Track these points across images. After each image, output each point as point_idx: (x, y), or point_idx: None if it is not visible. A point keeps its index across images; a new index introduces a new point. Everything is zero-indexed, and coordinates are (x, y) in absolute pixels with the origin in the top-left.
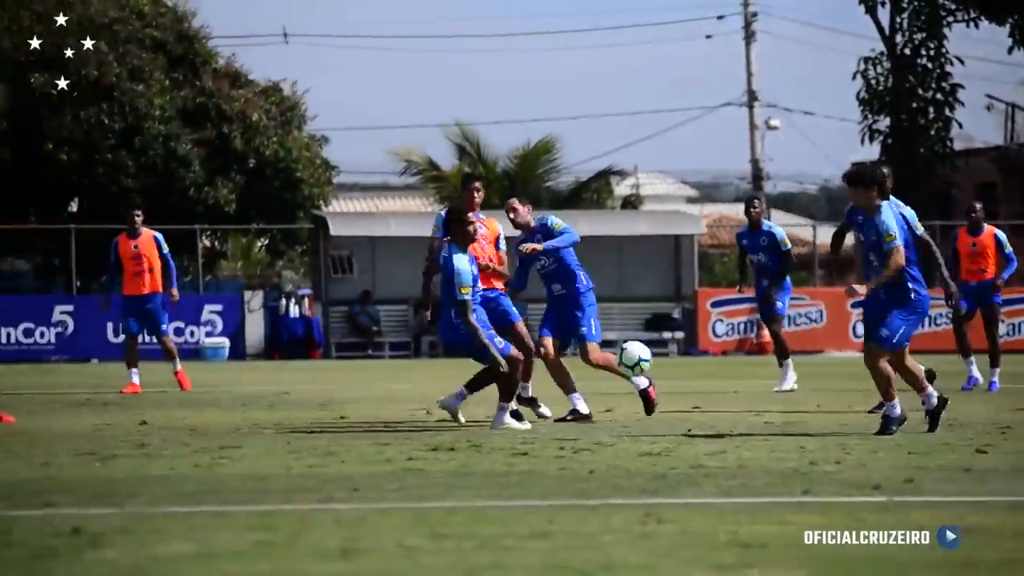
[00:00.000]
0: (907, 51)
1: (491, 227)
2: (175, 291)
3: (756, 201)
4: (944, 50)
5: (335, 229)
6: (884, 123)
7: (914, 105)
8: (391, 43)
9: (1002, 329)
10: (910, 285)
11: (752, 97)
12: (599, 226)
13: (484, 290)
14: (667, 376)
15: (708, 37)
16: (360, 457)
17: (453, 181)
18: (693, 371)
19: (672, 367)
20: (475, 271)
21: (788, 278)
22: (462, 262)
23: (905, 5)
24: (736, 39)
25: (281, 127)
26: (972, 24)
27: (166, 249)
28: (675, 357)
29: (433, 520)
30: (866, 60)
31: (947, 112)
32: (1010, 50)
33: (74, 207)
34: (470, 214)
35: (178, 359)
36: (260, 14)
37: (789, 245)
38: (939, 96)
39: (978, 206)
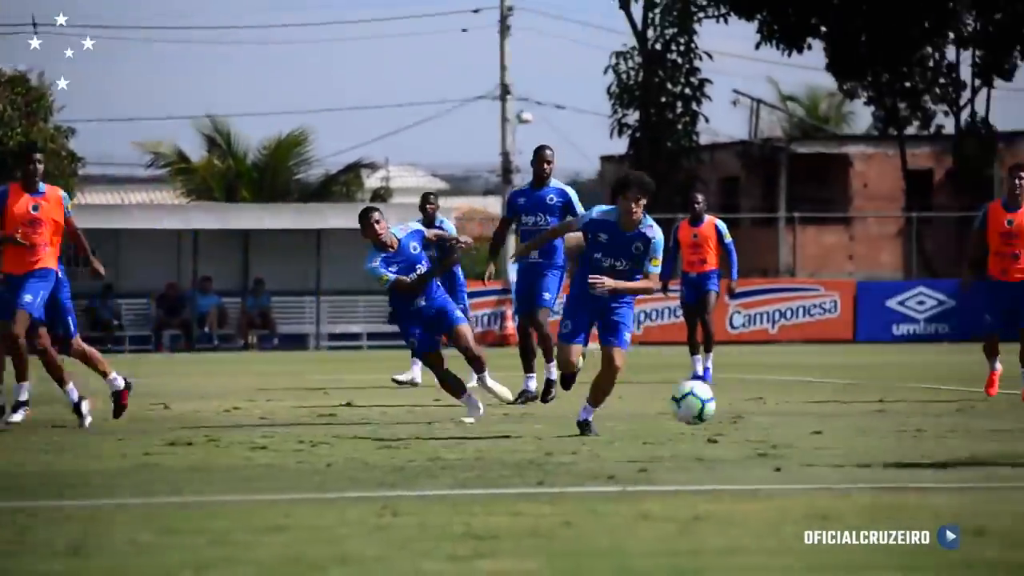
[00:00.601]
0: (658, 46)
1: (54, 195)
2: None
3: (432, 197)
4: (694, 45)
5: (78, 221)
6: (634, 117)
7: (663, 99)
8: (142, 34)
9: (739, 320)
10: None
11: (505, 91)
12: (349, 219)
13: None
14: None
15: (464, 31)
16: (95, 452)
17: (202, 173)
18: None
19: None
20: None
21: (461, 274)
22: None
23: (657, 1)
24: (491, 33)
25: (26, 118)
26: (722, 20)
27: None
28: None
29: (166, 516)
30: (618, 55)
31: (694, 107)
32: (757, 45)
33: None
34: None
35: None
36: (9, 2)
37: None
38: (687, 91)
39: (700, 197)
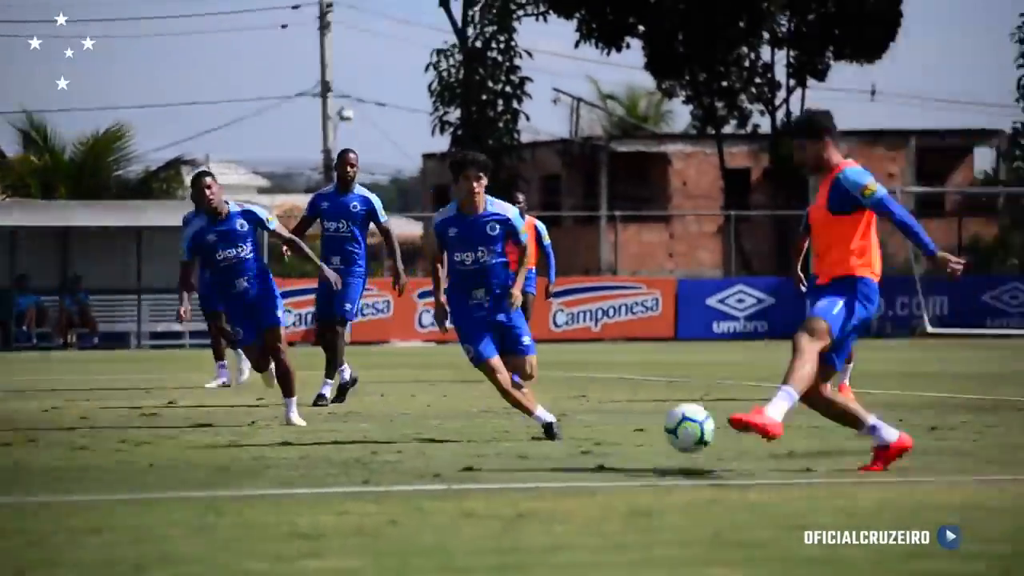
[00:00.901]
0: (478, 44)
1: None
2: None
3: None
4: (514, 43)
5: None
6: (455, 115)
7: (484, 97)
8: None
9: (562, 318)
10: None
11: (325, 88)
12: (170, 216)
13: None
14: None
15: (283, 27)
16: None
17: (18, 169)
18: None
19: None
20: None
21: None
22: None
23: None
24: (311, 29)
25: None
26: (541, 18)
27: None
28: None
29: None
30: (439, 52)
31: (515, 104)
32: (576, 44)
33: None
34: None
35: None
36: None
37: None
38: (508, 89)
39: (521, 197)
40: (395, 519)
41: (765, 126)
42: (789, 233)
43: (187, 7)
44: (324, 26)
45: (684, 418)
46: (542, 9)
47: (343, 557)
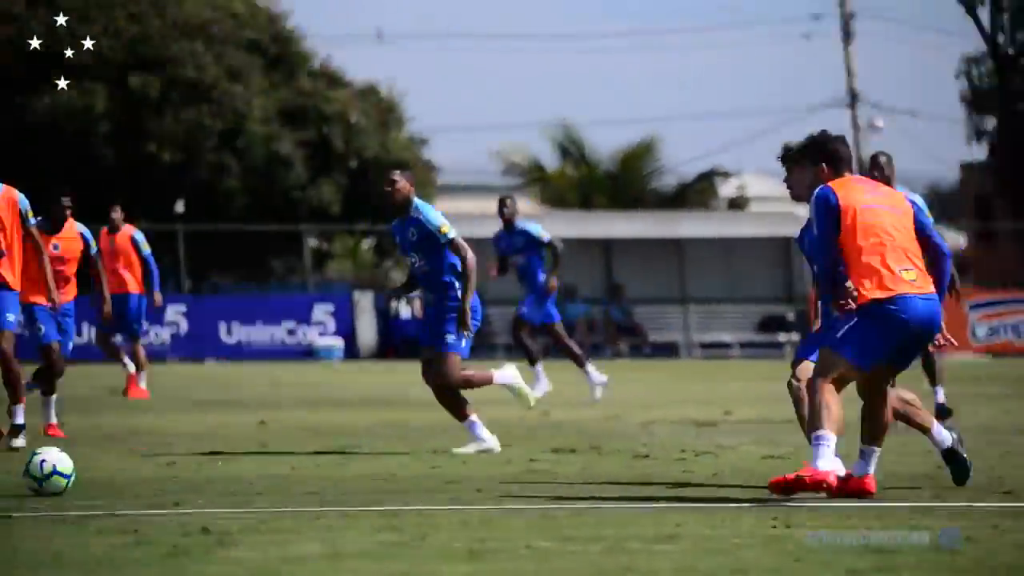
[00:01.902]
0: (1010, 51)
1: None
2: (158, 294)
3: (508, 201)
4: None
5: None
6: (991, 123)
7: (1021, 106)
8: (485, 43)
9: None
10: None
11: (854, 97)
12: (706, 227)
13: None
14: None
15: (805, 37)
16: (474, 458)
17: (555, 183)
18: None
19: (787, 369)
20: None
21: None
22: None
23: (1005, 5)
24: (833, 40)
25: (380, 128)
26: None
27: (147, 249)
28: (791, 359)
29: (561, 522)
30: (968, 60)
31: None
32: None
33: (181, 207)
34: None
35: (144, 370)
36: (352, 14)
37: (547, 237)
38: None
39: None
40: (971, 536)
41: None
42: None
43: (710, 19)
44: (847, 36)
45: (55, 471)
46: None
47: (919, 573)
